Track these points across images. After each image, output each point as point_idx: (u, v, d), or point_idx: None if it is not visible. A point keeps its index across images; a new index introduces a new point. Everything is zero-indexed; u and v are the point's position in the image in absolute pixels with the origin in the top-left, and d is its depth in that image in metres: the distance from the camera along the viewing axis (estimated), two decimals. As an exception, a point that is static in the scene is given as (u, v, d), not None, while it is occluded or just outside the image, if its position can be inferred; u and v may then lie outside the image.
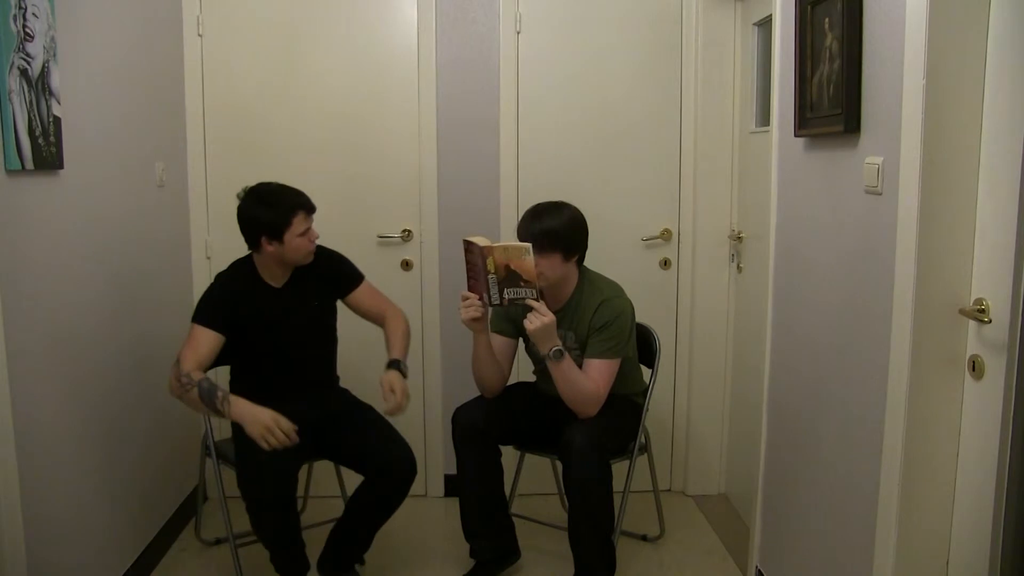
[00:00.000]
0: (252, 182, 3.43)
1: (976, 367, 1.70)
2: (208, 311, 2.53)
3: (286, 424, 2.35)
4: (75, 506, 2.33)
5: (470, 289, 2.50)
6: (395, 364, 2.64)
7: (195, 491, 3.09)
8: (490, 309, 2.52)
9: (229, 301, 2.54)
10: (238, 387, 2.56)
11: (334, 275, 2.74)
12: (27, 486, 2.03)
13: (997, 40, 1.65)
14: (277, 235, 2.48)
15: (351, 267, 2.78)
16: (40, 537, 2.10)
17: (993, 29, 1.66)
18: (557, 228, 2.53)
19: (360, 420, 2.69)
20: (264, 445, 2.32)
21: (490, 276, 2.42)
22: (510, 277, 2.40)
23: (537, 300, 2.43)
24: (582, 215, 2.62)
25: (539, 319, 2.42)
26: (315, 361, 2.75)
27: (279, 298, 2.62)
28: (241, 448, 2.46)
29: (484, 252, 2.39)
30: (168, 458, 3.01)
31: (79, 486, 2.35)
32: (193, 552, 2.98)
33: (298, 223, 2.49)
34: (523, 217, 2.61)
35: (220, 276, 2.63)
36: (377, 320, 2.78)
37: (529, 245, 2.37)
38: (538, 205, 2.62)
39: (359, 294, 2.77)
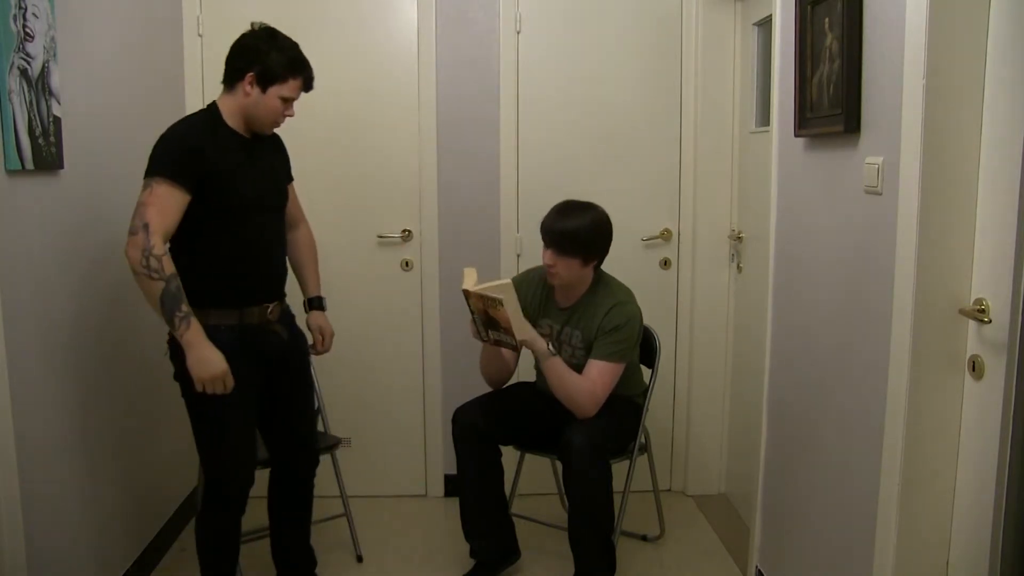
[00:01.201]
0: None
1: (976, 367, 1.70)
2: (176, 162, 2.09)
3: (230, 382, 2.13)
4: (75, 506, 2.33)
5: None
6: (318, 303, 2.55)
7: (195, 491, 3.09)
8: None
9: (196, 148, 2.14)
10: (186, 283, 2.09)
11: (284, 157, 2.49)
12: (27, 486, 2.03)
13: (997, 40, 1.65)
14: (265, 82, 2.19)
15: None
16: (40, 537, 2.10)
17: (993, 29, 1.66)
18: (579, 232, 2.50)
19: (299, 402, 2.50)
20: (199, 388, 2.10)
21: (474, 315, 2.46)
22: (490, 321, 2.43)
23: (516, 349, 2.55)
24: (608, 220, 2.59)
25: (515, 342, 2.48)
26: (280, 249, 2.41)
27: (248, 151, 2.27)
28: (211, 431, 2.24)
29: (465, 293, 2.42)
30: (168, 458, 3.01)
31: (79, 486, 2.35)
32: (193, 552, 2.96)
33: (292, 86, 2.23)
34: (550, 211, 2.58)
35: (178, 123, 2.22)
36: (289, 223, 2.50)
37: (503, 298, 2.37)
38: (568, 202, 2.59)
39: (290, 191, 2.50)
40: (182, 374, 2.17)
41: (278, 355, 2.37)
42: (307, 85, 2.28)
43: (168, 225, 2.08)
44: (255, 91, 2.20)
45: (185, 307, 2.06)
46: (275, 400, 2.41)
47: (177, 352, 2.15)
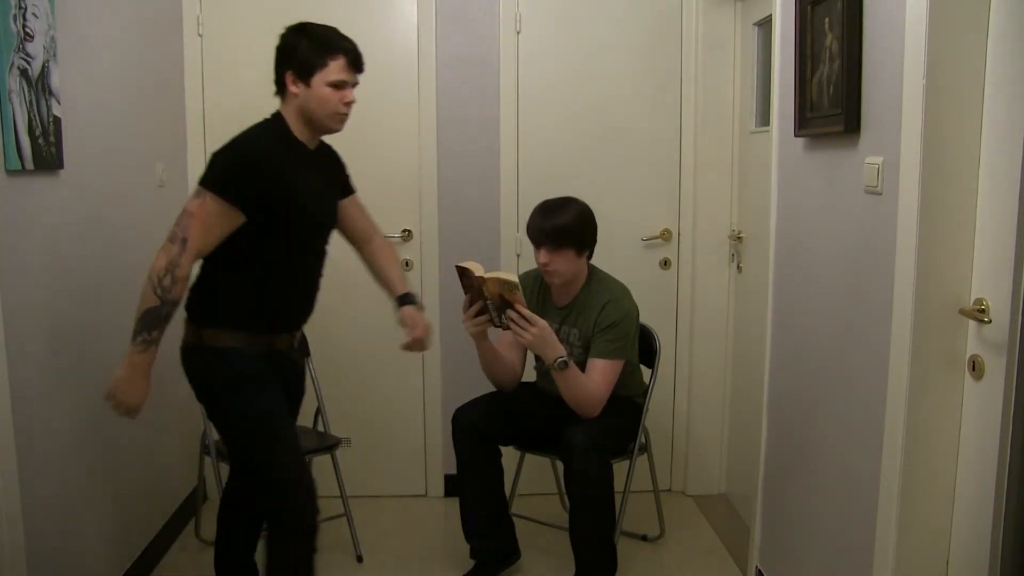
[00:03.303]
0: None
1: (976, 367, 1.70)
2: (236, 179, 1.96)
3: (133, 418, 2.01)
4: (75, 506, 2.32)
5: (470, 303, 2.51)
6: (410, 298, 2.33)
7: (195, 491, 3.09)
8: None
9: (260, 167, 2.00)
10: (222, 301, 2.02)
11: (340, 167, 2.33)
12: (27, 486, 2.03)
13: (997, 40, 1.65)
14: (305, 73, 2.05)
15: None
16: (40, 537, 2.10)
17: (993, 29, 1.66)
18: (568, 223, 2.54)
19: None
20: (110, 404, 1.97)
21: (489, 302, 2.45)
22: (505, 304, 2.43)
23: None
24: (590, 209, 2.64)
25: (530, 330, 2.42)
26: (321, 274, 2.27)
27: (313, 165, 2.15)
28: (280, 464, 2.09)
29: (478, 282, 2.43)
30: (168, 458, 3.01)
31: (79, 486, 2.35)
32: (193, 552, 2.98)
33: (334, 68, 2.05)
34: (532, 214, 2.62)
35: (247, 135, 2.07)
36: (361, 240, 2.38)
37: (516, 281, 2.39)
38: (547, 202, 2.62)
39: (354, 202, 2.36)
40: (228, 409, 2.08)
41: (292, 383, 2.30)
42: (353, 62, 2.09)
43: (207, 245, 1.97)
44: (300, 87, 2.06)
45: (157, 334, 1.96)
46: None
47: (215, 391, 2.08)
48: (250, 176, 1.98)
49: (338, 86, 2.06)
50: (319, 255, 2.24)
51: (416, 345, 2.28)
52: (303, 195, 2.07)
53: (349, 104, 2.09)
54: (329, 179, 2.25)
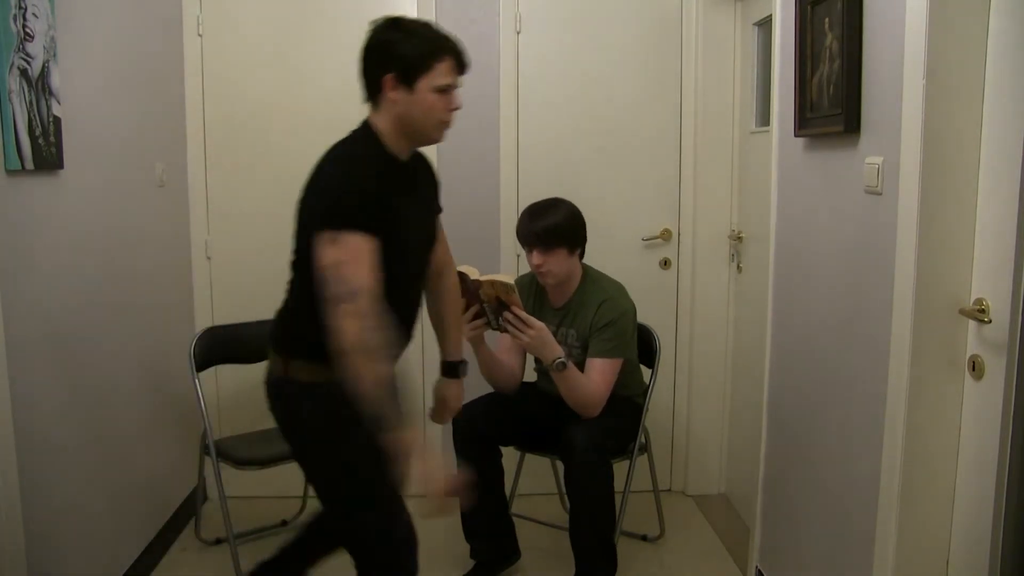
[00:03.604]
0: (252, 181, 3.42)
1: (976, 367, 1.70)
2: (362, 209, 1.71)
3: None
4: (75, 506, 2.32)
5: (466, 307, 2.51)
6: (461, 370, 2.16)
7: (195, 491, 3.09)
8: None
9: (372, 190, 1.76)
10: (319, 336, 1.70)
11: (435, 182, 2.08)
12: (27, 486, 2.03)
13: (997, 40, 1.65)
14: (408, 77, 1.78)
15: None
16: (40, 537, 2.10)
17: (993, 29, 1.66)
18: (558, 223, 2.56)
19: None
20: (426, 510, 1.69)
21: (485, 305, 2.46)
22: (502, 306, 2.44)
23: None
24: (577, 208, 2.65)
25: (527, 332, 2.42)
26: (419, 303, 2.04)
27: (411, 183, 1.94)
28: (372, 518, 1.86)
29: (474, 285, 2.44)
30: (168, 458, 3.01)
31: (79, 486, 2.35)
32: (193, 552, 2.98)
33: (441, 72, 1.79)
34: (521, 218, 2.64)
35: (346, 160, 1.82)
36: (434, 271, 2.08)
37: (512, 283, 2.40)
38: (533, 205, 2.65)
39: (438, 226, 2.09)
40: (314, 451, 1.85)
41: None
42: (460, 64, 1.85)
43: (374, 281, 1.69)
44: (401, 93, 1.79)
45: (401, 391, 1.69)
46: None
47: (301, 431, 1.84)
48: (367, 201, 1.73)
49: (444, 91, 1.81)
50: (419, 280, 2.02)
51: (439, 420, 2.17)
52: (406, 219, 1.85)
53: (454, 111, 1.86)
54: (427, 197, 2.03)
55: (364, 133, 1.85)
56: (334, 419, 1.81)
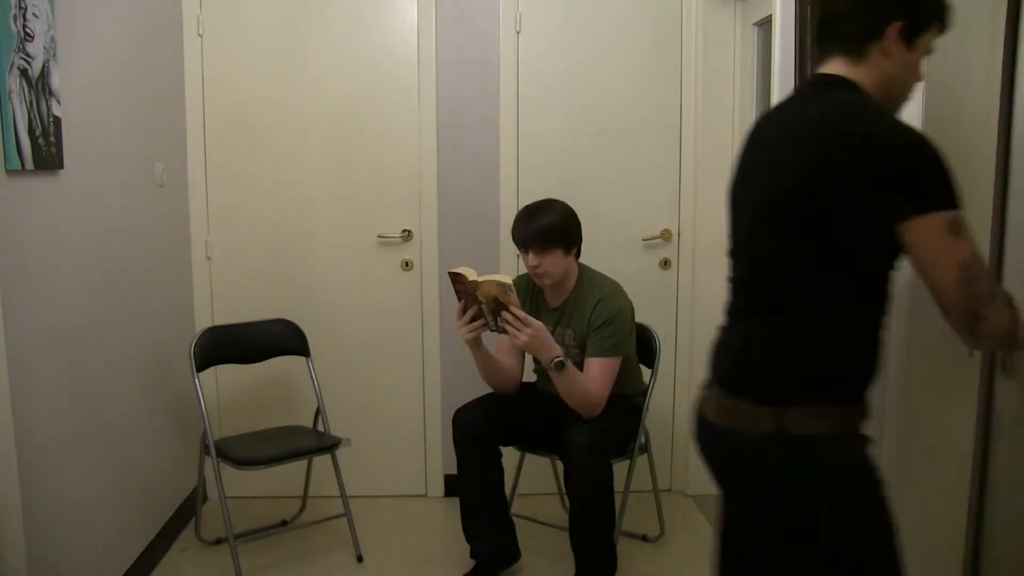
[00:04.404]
0: (251, 181, 3.44)
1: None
2: (953, 181, 1.28)
3: None
4: (75, 506, 2.33)
5: (464, 309, 2.51)
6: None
7: (195, 491, 3.09)
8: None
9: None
10: (831, 365, 1.39)
11: None
12: (27, 486, 2.03)
13: (998, 40, 1.65)
14: (914, 31, 1.41)
15: None
16: (40, 537, 2.10)
17: (993, 29, 1.66)
18: (554, 224, 2.56)
19: None
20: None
21: (483, 306, 2.46)
22: (500, 306, 2.44)
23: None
24: (571, 208, 2.65)
25: (525, 331, 2.42)
26: None
27: None
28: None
29: (472, 286, 2.43)
30: (168, 458, 3.01)
31: (79, 486, 2.35)
32: (193, 552, 2.98)
33: (934, 34, 1.45)
34: (515, 220, 2.64)
35: (892, 118, 1.35)
36: None
37: (510, 283, 2.39)
38: (528, 206, 2.66)
39: None
40: (842, 532, 1.38)
41: None
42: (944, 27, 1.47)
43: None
44: (899, 49, 1.41)
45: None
46: None
47: (821, 507, 1.37)
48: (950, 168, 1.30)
49: (925, 56, 1.46)
50: None
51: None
52: None
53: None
54: None
55: (854, 90, 1.41)
56: (866, 484, 1.40)
